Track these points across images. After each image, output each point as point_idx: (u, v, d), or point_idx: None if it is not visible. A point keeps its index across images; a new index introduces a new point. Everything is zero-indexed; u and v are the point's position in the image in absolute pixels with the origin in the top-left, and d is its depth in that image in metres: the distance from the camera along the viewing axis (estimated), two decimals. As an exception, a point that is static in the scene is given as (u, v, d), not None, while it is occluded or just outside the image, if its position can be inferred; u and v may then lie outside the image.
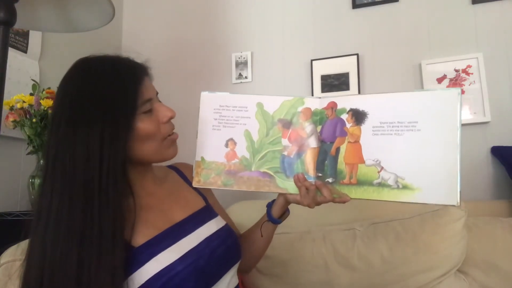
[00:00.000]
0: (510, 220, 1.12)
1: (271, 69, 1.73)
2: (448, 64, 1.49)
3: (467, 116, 1.44)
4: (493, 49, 1.45)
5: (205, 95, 0.82)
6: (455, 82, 1.47)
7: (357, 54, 1.60)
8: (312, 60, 1.66)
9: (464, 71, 1.47)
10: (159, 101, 0.74)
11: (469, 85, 1.45)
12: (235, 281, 0.78)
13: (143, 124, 0.67)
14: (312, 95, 1.63)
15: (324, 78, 1.64)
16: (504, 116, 1.41)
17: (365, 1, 1.63)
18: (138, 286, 0.61)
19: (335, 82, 1.62)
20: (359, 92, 1.58)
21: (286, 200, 0.81)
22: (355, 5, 1.64)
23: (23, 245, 0.81)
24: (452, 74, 1.48)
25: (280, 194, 0.81)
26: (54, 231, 0.59)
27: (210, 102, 0.82)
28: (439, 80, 1.49)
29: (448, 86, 1.47)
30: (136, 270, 0.62)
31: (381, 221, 1.15)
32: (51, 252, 0.59)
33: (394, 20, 1.59)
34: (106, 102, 0.63)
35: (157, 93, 0.74)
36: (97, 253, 0.58)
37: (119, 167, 0.63)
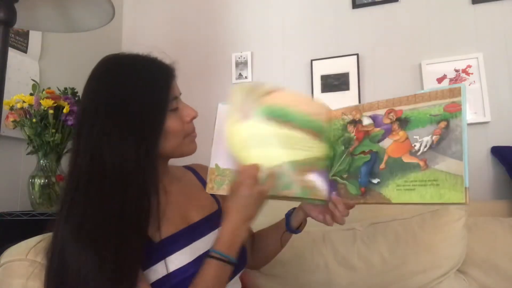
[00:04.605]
0: (510, 220, 1.12)
1: (271, 69, 1.73)
2: (448, 64, 1.49)
3: (467, 116, 1.44)
4: (493, 49, 1.45)
5: (222, 107, 0.81)
6: (455, 82, 1.47)
7: (357, 54, 1.60)
8: (312, 60, 1.66)
9: (464, 71, 1.47)
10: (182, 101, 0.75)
11: (469, 85, 1.45)
12: (238, 286, 0.78)
13: (170, 122, 0.69)
14: (312, 95, 1.63)
15: (324, 78, 1.63)
16: (504, 116, 1.41)
17: (365, 1, 1.63)
18: (151, 282, 0.62)
19: (335, 82, 1.62)
20: (359, 92, 1.58)
21: (305, 214, 0.82)
22: (355, 5, 1.64)
23: (23, 244, 0.81)
24: (452, 74, 1.48)
25: (299, 208, 0.83)
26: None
27: (226, 114, 0.80)
28: (439, 80, 1.49)
29: (448, 86, 1.47)
30: (151, 266, 0.63)
31: (381, 221, 1.15)
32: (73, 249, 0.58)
33: (394, 20, 1.59)
34: (139, 103, 0.66)
35: (180, 94, 0.75)
36: (118, 249, 0.58)
37: (153, 164, 0.65)
